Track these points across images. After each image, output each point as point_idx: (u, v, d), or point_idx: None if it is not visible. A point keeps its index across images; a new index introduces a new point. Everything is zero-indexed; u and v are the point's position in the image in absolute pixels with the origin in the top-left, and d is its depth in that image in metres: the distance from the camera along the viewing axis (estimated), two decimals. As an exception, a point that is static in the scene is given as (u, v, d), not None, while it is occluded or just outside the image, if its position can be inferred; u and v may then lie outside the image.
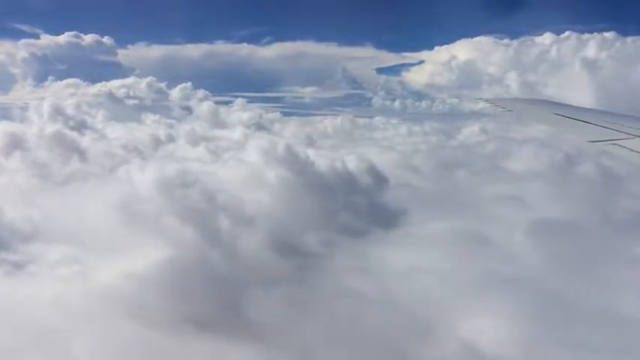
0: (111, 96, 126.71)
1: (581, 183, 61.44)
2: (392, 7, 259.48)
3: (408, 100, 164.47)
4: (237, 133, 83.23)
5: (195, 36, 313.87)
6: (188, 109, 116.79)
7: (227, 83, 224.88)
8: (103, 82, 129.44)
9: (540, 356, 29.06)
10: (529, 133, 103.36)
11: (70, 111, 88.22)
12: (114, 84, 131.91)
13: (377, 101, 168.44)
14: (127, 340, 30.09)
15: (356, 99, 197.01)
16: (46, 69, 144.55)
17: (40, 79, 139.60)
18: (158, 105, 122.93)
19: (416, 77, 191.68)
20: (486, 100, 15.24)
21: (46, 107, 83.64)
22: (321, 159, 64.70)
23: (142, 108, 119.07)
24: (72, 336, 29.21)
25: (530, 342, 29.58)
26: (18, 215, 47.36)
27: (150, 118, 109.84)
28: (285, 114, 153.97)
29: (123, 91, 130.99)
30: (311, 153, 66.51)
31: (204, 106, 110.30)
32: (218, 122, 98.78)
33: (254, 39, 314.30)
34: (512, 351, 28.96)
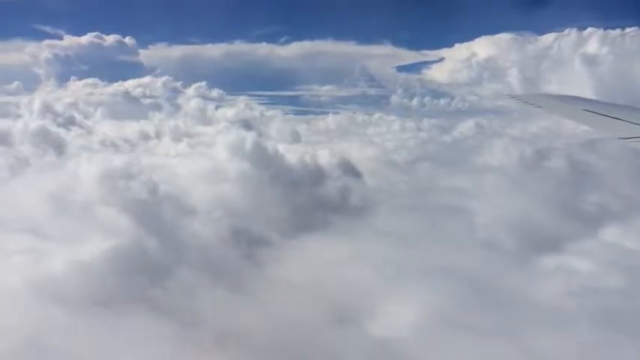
0: (126, 95, 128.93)
1: (550, 178, 61.20)
2: (410, 5, 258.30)
3: (426, 97, 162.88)
4: (219, 130, 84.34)
5: (215, 36, 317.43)
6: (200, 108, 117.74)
7: (245, 82, 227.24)
8: (120, 82, 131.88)
9: (446, 341, 29.41)
10: (529, 129, 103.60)
11: (61, 108, 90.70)
12: (130, 83, 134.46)
13: (395, 99, 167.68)
14: (57, 323, 31.21)
15: (374, 97, 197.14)
16: (69, 69, 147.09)
17: (64, 79, 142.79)
18: (172, 104, 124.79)
19: (436, 75, 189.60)
20: (514, 97, 15.26)
21: (36, 105, 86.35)
22: (292, 154, 65.57)
23: (154, 106, 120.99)
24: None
25: (440, 328, 30.13)
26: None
27: (157, 116, 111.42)
28: (302, 112, 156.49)
29: (139, 90, 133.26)
30: (283, 148, 67.52)
31: (192, 103, 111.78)
32: (205, 119, 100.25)
33: (272, 38, 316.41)
34: (417, 336, 29.43)
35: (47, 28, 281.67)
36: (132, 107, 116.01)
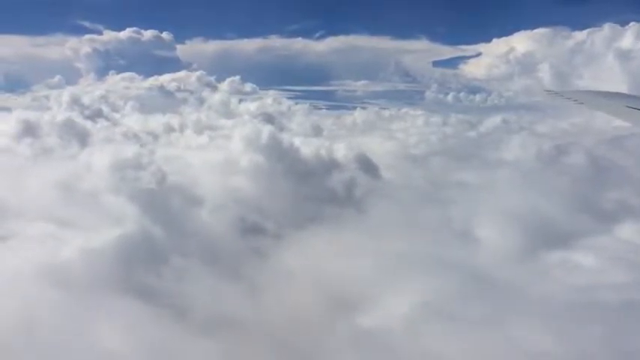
0: (162, 89, 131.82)
1: (568, 174, 59.91)
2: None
3: (462, 93, 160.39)
4: (240, 123, 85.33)
5: (250, 31, 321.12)
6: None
7: (280, 77, 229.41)
8: (156, 76, 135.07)
9: (437, 332, 29.27)
10: (560, 125, 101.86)
11: (90, 101, 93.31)
12: (165, 78, 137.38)
13: (429, 94, 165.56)
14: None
15: (409, 92, 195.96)
16: (107, 64, 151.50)
17: (103, 73, 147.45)
18: (196, 97, 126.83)
19: (473, 70, 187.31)
20: (555, 93, 15.15)
21: (64, 98, 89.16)
22: (308, 147, 65.81)
23: (186, 100, 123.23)
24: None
25: (434, 320, 30.02)
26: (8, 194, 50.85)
27: (187, 110, 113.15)
28: (335, 107, 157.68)
29: (174, 84, 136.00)
30: (301, 141, 67.89)
31: (216, 96, 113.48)
32: (229, 112, 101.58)
33: (307, 33, 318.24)
34: (408, 328, 29.42)
35: (87, 24, 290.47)
36: (166, 101, 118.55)
